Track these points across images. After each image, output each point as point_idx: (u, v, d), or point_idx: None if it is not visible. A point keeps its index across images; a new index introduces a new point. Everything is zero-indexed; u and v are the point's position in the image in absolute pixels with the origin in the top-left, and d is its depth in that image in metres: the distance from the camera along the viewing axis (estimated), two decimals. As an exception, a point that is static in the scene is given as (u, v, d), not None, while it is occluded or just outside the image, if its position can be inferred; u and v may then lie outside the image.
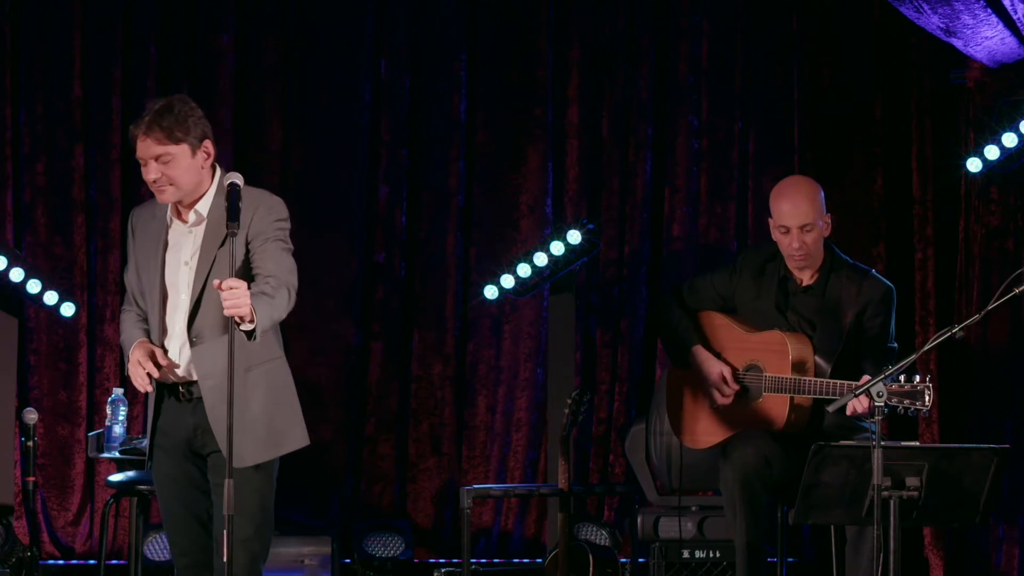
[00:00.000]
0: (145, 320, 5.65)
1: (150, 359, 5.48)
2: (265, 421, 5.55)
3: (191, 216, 5.56)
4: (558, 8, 8.97)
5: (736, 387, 6.88)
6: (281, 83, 8.80)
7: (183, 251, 5.56)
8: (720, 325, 7.02)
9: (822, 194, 6.92)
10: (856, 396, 6.12)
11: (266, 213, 5.56)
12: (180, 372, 5.58)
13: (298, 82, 8.86)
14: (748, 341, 6.91)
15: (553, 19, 8.96)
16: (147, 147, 5.50)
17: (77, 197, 8.67)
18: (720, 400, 6.90)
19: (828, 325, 6.85)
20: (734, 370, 6.92)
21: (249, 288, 5.33)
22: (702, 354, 6.98)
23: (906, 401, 5.98)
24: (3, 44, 8.62)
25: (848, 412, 6.43)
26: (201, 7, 8.80)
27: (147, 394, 5.66)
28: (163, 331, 5.57)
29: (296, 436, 5.66)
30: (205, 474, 5.60)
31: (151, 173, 5.50)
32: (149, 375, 5.48)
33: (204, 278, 5.49)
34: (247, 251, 5.53)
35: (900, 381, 6.04)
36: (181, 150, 5.50)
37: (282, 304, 5.47)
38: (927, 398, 5.97)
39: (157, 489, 5.71)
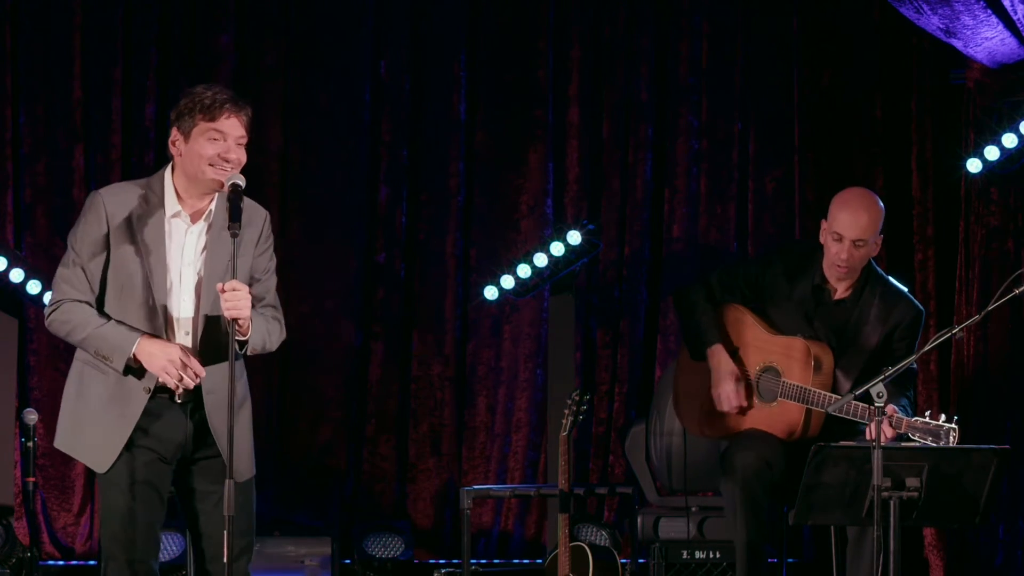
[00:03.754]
0: (102, 314, 5.33)
1: (192, 358, 5.27)
2: (249, 437, 5.48)
3: (195, 215, 5.37)
4: (558, 8, 8.97)
5: (743, 403, 6.84)
6: (281, 83, 8.80)
7: (186, 251, 5.37)
8: (744, 321, 6.95)
9: (883, 215, 6.79)
10: (856, 397, 6.10)
11: (269, 231, 5.50)
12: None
13: (298, 82, 8.86)
14: (770, 342, 6.84)
15: (553, 19, 8.96)
16: (236, 126, 5.34)
17: (77, 198, 8.66)
18: (722, 407, 6.85)
19: (854, 341, 6.78)
20: (747, 377, 6.88)
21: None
22: (721, 355, 6.88)
23: (929, 439, 5.98)
24: (3, 45, 8.63)
25: (868, 437, 6.39)
26: (201, 8, 8.80)
27: (75, 378, 5.38)
28: (164, 333, 5.33)
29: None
30: (172, 482, 5.42)
31: (232, 152, 5.32)
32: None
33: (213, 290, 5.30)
34: (251, 266, 5.43)
35: (926, 417, 6.03)
36: (246, 142, 5.41)
37: (275, 337, 5.46)
38: (951, 439, 5.97)
39: (111, 488, 5.33)
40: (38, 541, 8.34)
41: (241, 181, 5.32)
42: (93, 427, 5.35)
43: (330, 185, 8.82)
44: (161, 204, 5.37)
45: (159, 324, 5.32)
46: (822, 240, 6.81)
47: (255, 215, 5.47)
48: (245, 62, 8.83)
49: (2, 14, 8.60)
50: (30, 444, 7.62)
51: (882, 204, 6.84)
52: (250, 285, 5.38)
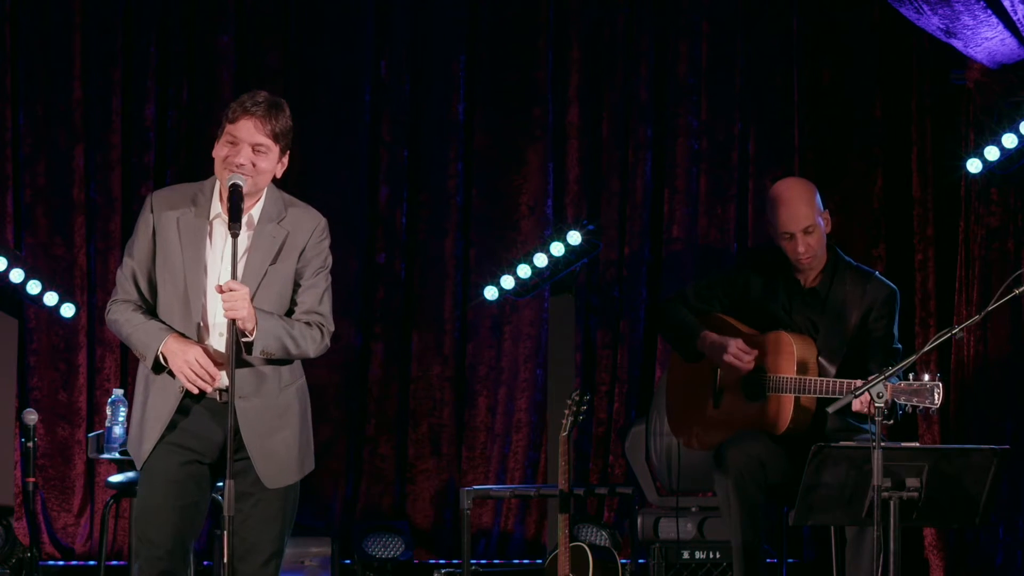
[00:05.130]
0: (152, 314, 5.43)
1: (211, 361, 5.31)
2: (297, 443, 5.48)
3: (243, 218, 5.38)
4: (558, 8, 8.97)
5: (755, 352, 6.83)
6: (281, 83, 8.79)
7: (226, 253, 5.37)
8: (724, 326, 6.99)
9: (817, 192, 6.92)
10: (857, 396, 6.10)
11: (319, 239, 5.56)
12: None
13: (298, 82, 8.85)
14: (752, 342, 6.88)
15: (553, 19, 8.96)
16: (252, 131, 5.36)
17: (77, 198, 8.67)
18: (742, 365, 6.82)
19: (832, 327, 6.84)
20: (735, 380, 6.89)
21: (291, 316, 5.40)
22: (712, 336, 6.92)
23: (915, 399, 5.96)
24: (3, 45, 8.63)
25: (855, 408, 6.40)
26: (201, 7, 8.80)
27: (141, 382, 5.45)
28: (198, 333, 5.38)
29: (310, 461, 5.57)
30: (208, 486, 5.47)
31: (242, 156, 5.35)
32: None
33: (251, 294, 5.32)
34: (295, 272, 5.48)
35: (908, 379, 6.03)
36: (274, 150, 5.42)
37: (307, 342, 5.47)
38: (936, 396, 5.95)
39: (147, 485, 5.41)
40: (38, 541, 8.34)
41: (240, 181, 5.35)
42: (137, 424, 5.46)
43: (330, 185, 8.81)
44: (208, 206, 5.44)
45: (195, 325, 5.38)
46: (779, 244, 6.88)
47: (304, 221, 5.54)
48: (245, 62, 8.83)
49: (2, 14, 8.60)
50: (30, 444, 7.63)
51: (810, 183, 6.96)
52: (294, 291, 5.48)
